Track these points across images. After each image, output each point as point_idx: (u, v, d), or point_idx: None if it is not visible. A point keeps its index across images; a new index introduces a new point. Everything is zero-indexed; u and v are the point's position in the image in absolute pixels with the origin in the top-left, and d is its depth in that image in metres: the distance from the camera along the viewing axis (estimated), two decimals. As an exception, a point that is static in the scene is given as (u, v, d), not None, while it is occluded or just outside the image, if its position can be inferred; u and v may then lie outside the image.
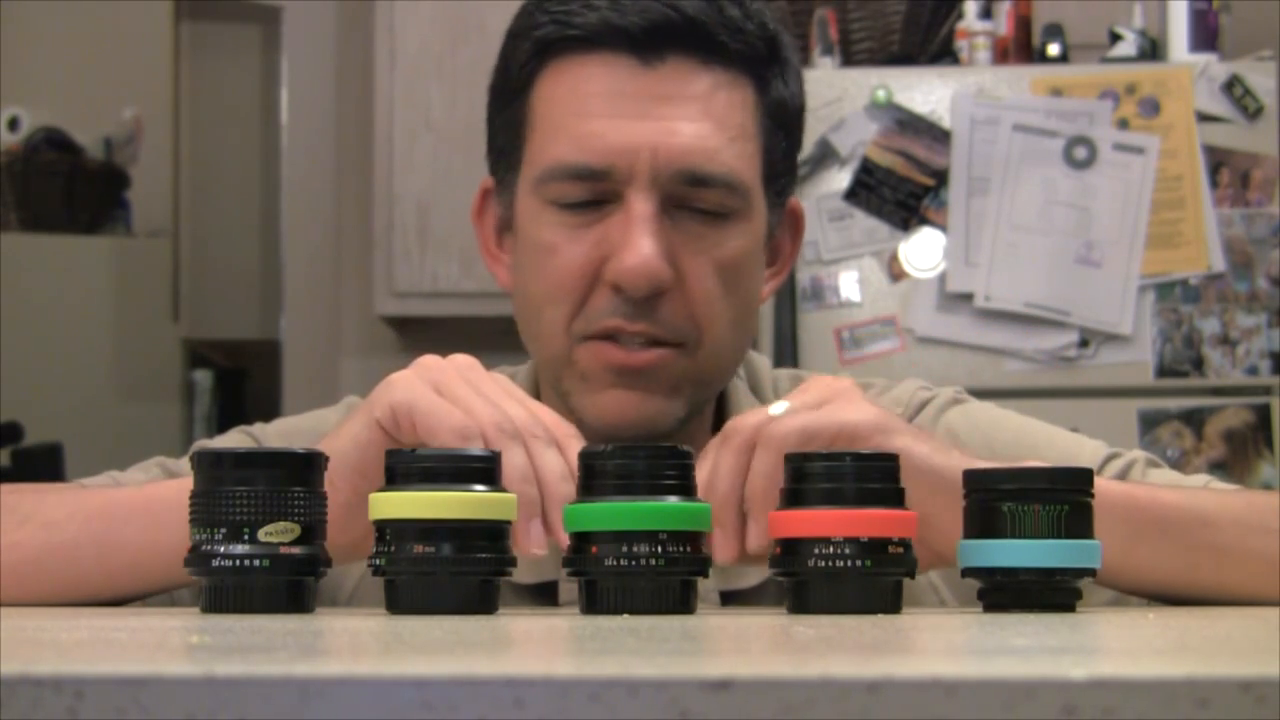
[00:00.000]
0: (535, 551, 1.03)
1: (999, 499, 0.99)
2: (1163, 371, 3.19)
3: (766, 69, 1.30)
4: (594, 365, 1.26)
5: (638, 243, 1.24)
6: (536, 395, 1.35)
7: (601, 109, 1.26)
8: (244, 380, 5.08)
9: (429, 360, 1.12)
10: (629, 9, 1.26)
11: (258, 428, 1.37)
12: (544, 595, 1.27)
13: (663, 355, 1.26)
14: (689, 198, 1.27)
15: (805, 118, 1.36)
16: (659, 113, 1.26)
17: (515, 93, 1.31)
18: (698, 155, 1.26)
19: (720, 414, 1.35)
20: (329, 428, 1.33)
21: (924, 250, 3.23)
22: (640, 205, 1.25)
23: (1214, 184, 3.19)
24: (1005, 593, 1.01)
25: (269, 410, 4.08)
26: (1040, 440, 1.32)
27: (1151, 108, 3.21)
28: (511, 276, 1.34)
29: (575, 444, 1.05)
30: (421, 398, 1.07)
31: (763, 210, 1.31)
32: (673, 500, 0.96)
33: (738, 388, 1.36)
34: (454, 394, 1.08)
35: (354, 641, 0.79)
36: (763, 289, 1.35)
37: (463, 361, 1.12)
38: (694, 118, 1.26)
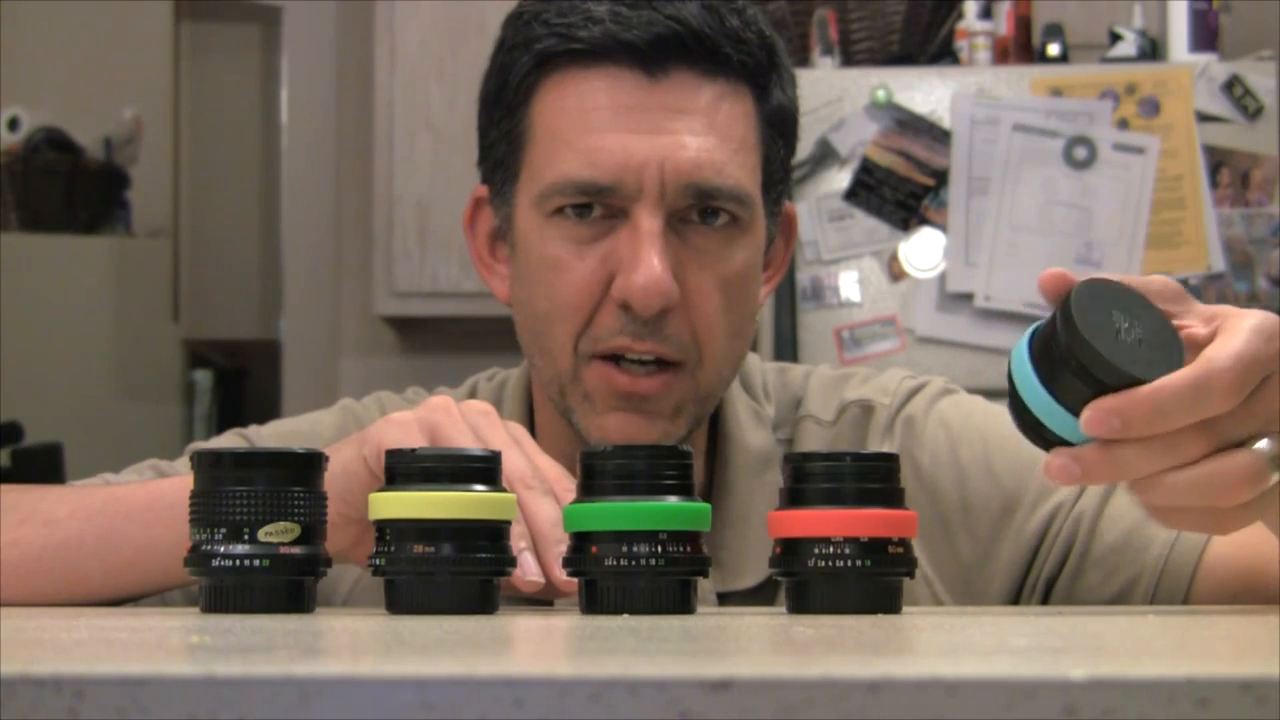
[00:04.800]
0: (531, 579, 1.02)
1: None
2: (1163, 371, 3.18)
3: (766, 77, 1.29)
4: (599, 387, 1.26)
5: (647, 261, 1.22)
6: (529, 403, 1.36)
7: (608, 123, 1.25)
8: (244, 380, 5.09)
9: (437, 402, 1.11)
10: (633, 22, 1.24)
11: (252, 430, 1.36)
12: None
13: (666, 381, 1.25)
14: (695, 212, 1.26)
15: (799, 122, 1.36)
16: (666, 126, 1.25)
17: (513, 104, 1.29)
18: (706, 169, 1.24)
19: (714, 415, 1.34)
20: (324, 430, 1.34)
21: (924, 250, 3.23)
22: (648, 222, 1.23)
23: (1214, 184, 3.19)
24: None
25: (269, 410, 4.08)
26: None
27: (1151, 108, 3.21)
28: (512, 289, 1.33)
29: (572, 498, 1.02)
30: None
31: (763, 220, 1.30)
32: (673, 500, 0.96)
33: (731, 387, 1.36)
34: (450, 441, 1.07)
35: (354, 641, 0.79)
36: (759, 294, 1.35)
37: (475, 408, 1.11)
38: (700, 131, 1.25)
